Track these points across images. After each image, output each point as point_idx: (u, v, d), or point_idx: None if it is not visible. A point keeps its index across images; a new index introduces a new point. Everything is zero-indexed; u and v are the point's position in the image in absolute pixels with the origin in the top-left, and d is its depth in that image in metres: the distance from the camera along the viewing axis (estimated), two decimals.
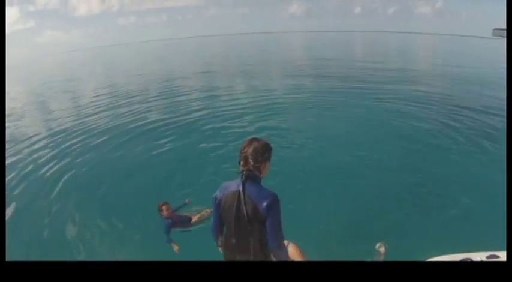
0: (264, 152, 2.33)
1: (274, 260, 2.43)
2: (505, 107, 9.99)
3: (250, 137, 2.40)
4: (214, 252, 2.72)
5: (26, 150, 9.24)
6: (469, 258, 2.88)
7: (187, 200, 5.22)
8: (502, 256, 2.93)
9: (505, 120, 9.39)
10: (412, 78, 18.94)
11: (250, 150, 2.28)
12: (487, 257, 2.92)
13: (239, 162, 2.32)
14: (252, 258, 2.36)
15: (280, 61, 33.42)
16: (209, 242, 2.75)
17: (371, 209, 5.38)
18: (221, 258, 2.61)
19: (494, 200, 5.35)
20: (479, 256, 2.92)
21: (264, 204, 2.23)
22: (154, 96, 16.19)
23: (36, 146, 9.67)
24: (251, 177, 2.29)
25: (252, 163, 2.28)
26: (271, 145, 2.43)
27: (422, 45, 65.10)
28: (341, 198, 5.71)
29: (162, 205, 4.63)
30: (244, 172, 2.29)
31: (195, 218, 4.80)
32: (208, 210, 4.73)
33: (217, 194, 2.42)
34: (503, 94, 12.28)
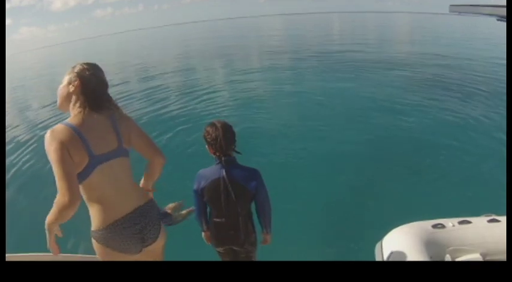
0: (233, 130, 2.32)
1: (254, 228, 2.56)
2: None
3: (209, 123, 2.31)
4: (209, 251, 2.77)
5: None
6: (441, 224, 2.91)
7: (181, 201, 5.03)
8: (474, 221, 2.99)
9: None
10: (392, 56, 19.10)
11: (221, 135, 2.21)
12: (459, 223, 2.97)
13: (214, 153, 2.29)
14: (241, 233, 2.45)
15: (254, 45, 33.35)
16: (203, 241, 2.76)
17: (363, 180, 5.50)
18: (215, 257, 2.71)
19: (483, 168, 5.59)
20: (450, 222, 2.96)
21: (253, 183, 2.32)
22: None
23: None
24: (230, 161, 2.30)
25: (228, 147, 2.26)
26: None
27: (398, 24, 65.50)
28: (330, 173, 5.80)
29: None
30: (223, 158, 2.27)
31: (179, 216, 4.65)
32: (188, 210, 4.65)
33: (198, 184, 2.39)
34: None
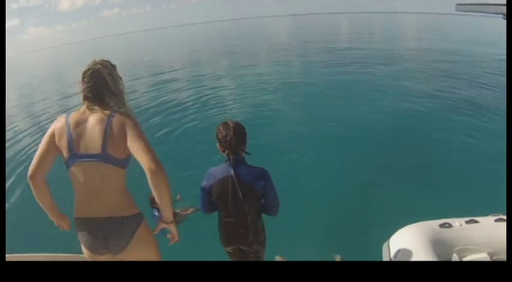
0: (245, 131, 2.35)
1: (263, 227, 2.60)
2: None
3: (222, 122, 2.36)
4: (212, 251, 2.78)
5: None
6: (448, 224, 2.90)
7: (178, 196, 4.82)
8: (481, 221, 2.97)
9: None
10: (398, 54, 19.06)
11: (231, 134, 2.26)
12: (466, 222, 2.96)
13: (223, 151, 2.32)
14: (249, 232, 2.47)
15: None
16: (207, 241, 2.80)
17: (368, 181, 5.47)
18: (219, 257, 2.70)
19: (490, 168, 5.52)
20: (458, 221, 2.95)
21: (260, 183, 2.33)
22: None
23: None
24: (239, 160, 2.33)
25: (237, 147, 2.29)
26: None
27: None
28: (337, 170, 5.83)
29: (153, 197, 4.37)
30: (232, 156, 2.30)
31: (184, 213, 4.60)
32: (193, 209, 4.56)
33: (207, 182, 2.41)
34: None
